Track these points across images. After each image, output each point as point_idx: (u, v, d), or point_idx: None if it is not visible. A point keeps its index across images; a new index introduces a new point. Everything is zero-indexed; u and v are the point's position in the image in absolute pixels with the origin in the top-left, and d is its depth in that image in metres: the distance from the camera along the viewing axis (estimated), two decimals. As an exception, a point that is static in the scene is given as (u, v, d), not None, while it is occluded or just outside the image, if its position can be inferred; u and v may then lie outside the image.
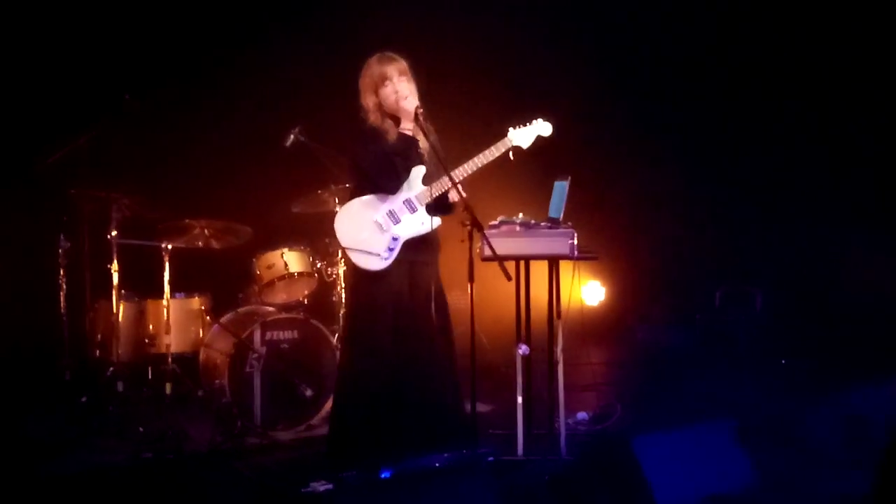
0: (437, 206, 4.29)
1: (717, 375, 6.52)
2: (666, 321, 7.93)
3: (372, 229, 4.22)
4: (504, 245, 4.38)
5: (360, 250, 4.21)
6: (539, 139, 4.39)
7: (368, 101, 4.30)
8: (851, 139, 7.16)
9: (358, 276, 4.31)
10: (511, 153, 4.31)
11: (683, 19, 7.48)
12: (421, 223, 4.27)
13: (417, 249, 4.29)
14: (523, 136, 4.34)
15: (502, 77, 7.56)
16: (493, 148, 4.27)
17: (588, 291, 8.22)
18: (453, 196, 4.28)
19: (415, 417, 4.21)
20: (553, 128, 4.40)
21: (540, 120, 4.40)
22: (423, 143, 4.29)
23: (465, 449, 4.02)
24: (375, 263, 4.20)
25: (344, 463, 4.06)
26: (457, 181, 4.16)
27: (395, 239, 4.23)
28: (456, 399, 4.35)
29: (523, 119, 4.39)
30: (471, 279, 4.12)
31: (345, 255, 4.34)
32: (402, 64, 4.30)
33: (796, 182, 7.35)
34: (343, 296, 5.93)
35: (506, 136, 4.32)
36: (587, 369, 6.43)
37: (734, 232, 7.71)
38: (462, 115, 6.37)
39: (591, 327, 7.30)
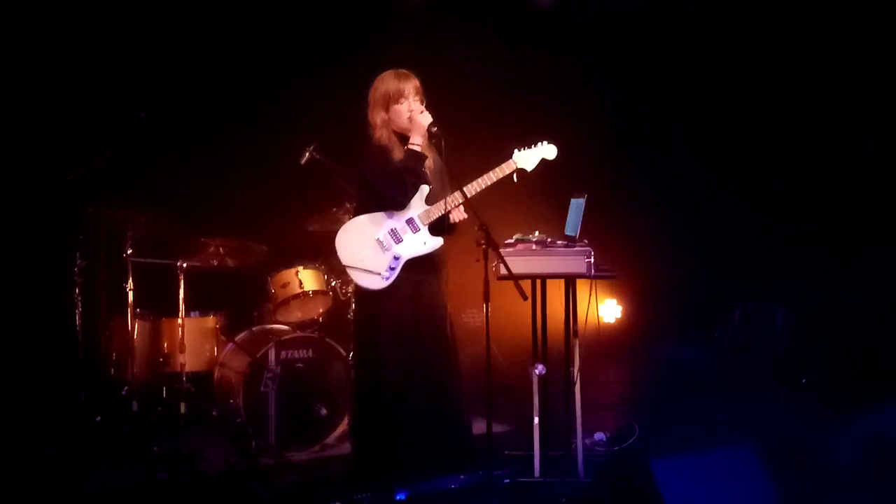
0: (439, 226, 4.27)
1: (736, 395, 6.44)
2: (684, 339, 7.85)
3: (373, 248, 4.20)
4: (520, 264, 4.35)
5: (361, 269, 4.19)
6: (545, 161, 4.40)
7: (377, 117, 4.29)
8: (875, 154, 7.08)
9: (361, 295, 4.30)
10: (515, 175, 4.30)
11: (703, 32, 7.44)
12: (423, 243, 4.26)
13: (421, 269, 4.27)
14: (527, 158, 4.36)
15: (516, 94, 7.54)
16: (497, 170, 4.28)
17: (605, 309, 8.15)
18: (455, 217, 4.26)
19: (424, 436, 4.18)
20: (564, 147, 4.41)
21: (545, 143, 4.40)
22: (428, 163, 4.27)
23: (479, 470, 3.99)
24: (376, 283, 4.18)
25: (365, 482, 4.03)
26: (460, 202, 4.15)
27: (396, 258, 4.20)
28: (461, 418, 4.31)
29: (535, 138, 4.38)
30: (486, 299, 4.07)
31: (347, 275, 4.32)
32: (417, 82, 4.30)
33: (819, 198, 7.27)
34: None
35: (511, 157, 4.32)
36: (604, 388, 6.38)
37: (754, 249, 7.63)
38: (473, 133, 6.35)
39: (608, 346, 7.24)
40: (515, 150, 4.35)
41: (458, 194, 4.15)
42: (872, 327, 6.84)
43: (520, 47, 7.65)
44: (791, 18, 7.21)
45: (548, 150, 4.40)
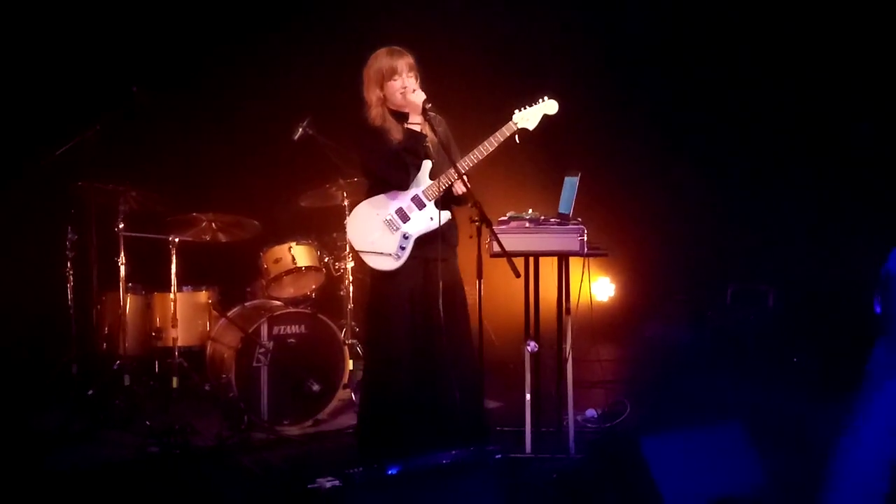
0: (446, 199, 4.26)
1: (727, 374, 6.47)
2: (676, 318, 7.87)
3: (382, 230, 4.20)
4: (513, 241, 4.35)
5: (373, 252, 4.19)
6: (549, 127, 4.31)
7: (372, 95, 4.25)
8: (868, 136, 7.08)
9: (373, 277, 4.31)
10: (517, 137, 4.24)
11: (697, 12, 7.41)
12: (430, 219, 4.24)
13: (432, 246, 4.25)
14: (529, 116, 4.27)
15: (508, 70, 7.50)
16: (497, 133, 4.21)
17: (598, 287, 8.17)
18: (457, 189, 4.24)
19: (432, 414, 4.21)
20: (561, 116, 4.30)
21: (545, 98, 4.33)
22: (430, 138, 4.25)
23: (473, 446, 4.00)
24: (389, 263, 4.18)
25: (375, 457, 4.05)
26: (464, 172, 4.12)
27: (405, 237, 4.20)
28: (474, 394, 4.32)
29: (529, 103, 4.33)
30: (479, 275, 4.08)
31: (359, 258, 4.31)
32: (411, 59, 4.27)
33: (811, 178, 7.27)
34: (350, 290, 5.93)
35: (510, 119, 4.26)
36: (596, 366, 6.40)
37: (747, 228, 7.64)
38: (468, 109, 6.31)
39: (601, 324, 7.26)
40: (515, 111, 4.28)
41: (462, 164, 4.13)
42: (864, 308, 6.86)
43: (513, 24, 7.60)
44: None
45: (549, 106, 4.32)
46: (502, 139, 4.21)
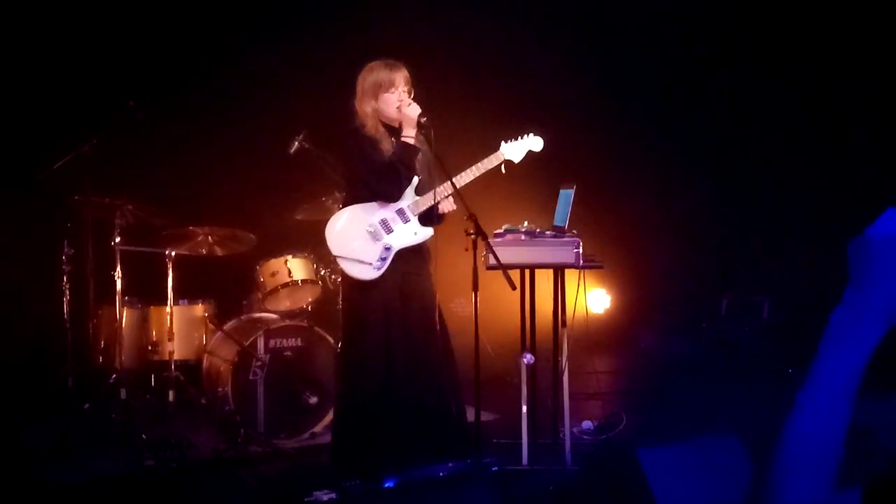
0: (428, 216, 4.27)
1: (723, 385, 6.48)
2: (671, 329, 7.89)
3: (364, 238, 4.19)
4: (509, 254, 4.36)
5: (352, 259, 4.18)
6: (544, 140, 4.42)
7: (366, 107, 4.24)
8: (863, 145, 7.11)
9: (349, 286, 4.27)
10: (503, 167, 4.32)
11: (689, 24, 7.45)
12: (413, 233, 4.26)
13: (409, 260, 4.26)
14: (515, 150, 4.37)
15: (503, 84, 7.55)
16: (485, 161, 4.29)
17: (593, 299, 8.19)
18: (444, 207, 4.28)
19: (414, 427, 4.17)
20: (553, 138, 4.43)
21: (531, 135, 4.44)
22: (423, 152, 4.27)
23: (468, 458, 4.00)
24: (367, 273, 4.17)
25: (347, 473, 4.04)
26: (449, 193, 4.16)
27: (387, 248, 4.19)
28: (458, 408, 4.31)
29: (522, 129, 4.42)
30: (475, 288, 4.07)
31: (336, 264, 4.30)
32: (406, 73, 4.28)
33: (805, 189, 7.30)
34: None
35: (498, 149, 4.34)
36: (592, 378, 6.39)
37: (741, 239, 7.68)
38: (460, 124, 6.35)
39: (596, 336, 7.25)
40: (503, 142, 4.37)
41: (448, 185, 4.15)
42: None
43: (508, 36, 7.64)
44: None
45: (534, 142, 4.43)
46: (490, 166, 4.29)
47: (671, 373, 7.10)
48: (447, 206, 4.31)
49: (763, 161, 7.57)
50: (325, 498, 4.00)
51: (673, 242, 7.84)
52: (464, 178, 4.21)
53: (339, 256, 4.20)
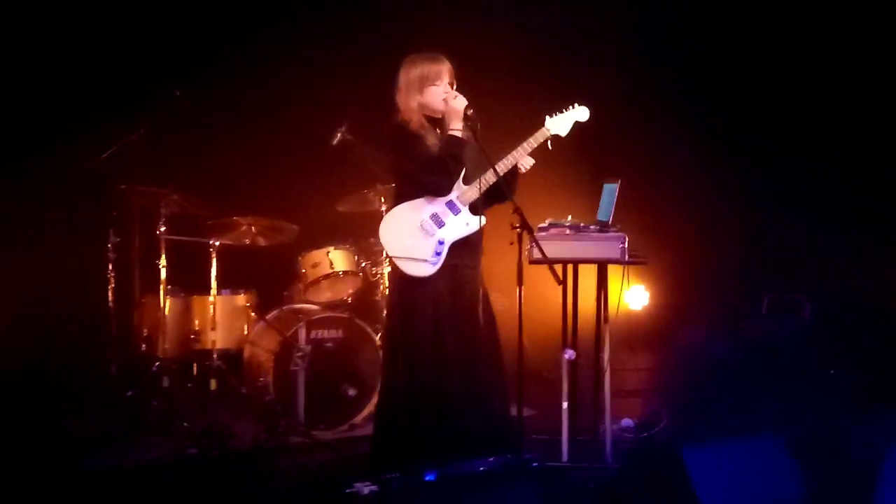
0: (488, 197, 4.22)
1: (763, 385, 6.41)
2: (710, 328, 7.81)
3: (416, 235, 4.16)
4: (553, 248, 4.34)
5: (409, 258, 4.16)
6: (588, 134, 4.32)
7: (411, 101, 4.20)
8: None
9: (400, 281, 4.25)
10: (549, 143, 4.23)
11: (743, 20, 7.36)
12: (465, 224, 4.22)
13: (461, 253, 4.23)
14: (560, 123, 4.25)
15: (547, 76, 7.49)
16: (531, 139, 4.19)
17: (632, 296, 8.13)
18: (526, 165, 4.24)
19: (456, 420, 4.16)
20: (601, 122, 4.29)
21: (576, 105, 4.31)
22: (471, 144, 4.23)
23: (509, 454, 3.99)
24: (425, 269, 4.14)
25: (387, 466, 4.04)
26: (499, 176, 4.10)
27: (441, 242, 4.17)
28: (501, 402, 4.30)
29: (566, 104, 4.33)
30: (520, 282, 4.02)
31: (392, 263, 4.28)
32: (450, 65, 4.25)
33: (850, 189, 7.19)
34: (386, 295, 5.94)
35: (543, 125, 4.25)
36: (632, 375, 6.37)
37: (784, 238, 7.57)
38: (498, 113, 6.32)
39: (636, 332, 7.23)
40: (547, 117, 4.26)
41: (495, 169, 4.11)
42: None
43: (549, 26, 7.58)
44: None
45: (580, 113, 4.31)
46: (535, 144, 4.20)
47: (711, 372, 7.03)
48: (528, 162, 4.27)
49: (810, 159, 7.46)
50: (367, 490, 4.00)
51: (714, 239, 7.77)
52: (511, 160, 4.15)
53: (396, 257, 4.17)
